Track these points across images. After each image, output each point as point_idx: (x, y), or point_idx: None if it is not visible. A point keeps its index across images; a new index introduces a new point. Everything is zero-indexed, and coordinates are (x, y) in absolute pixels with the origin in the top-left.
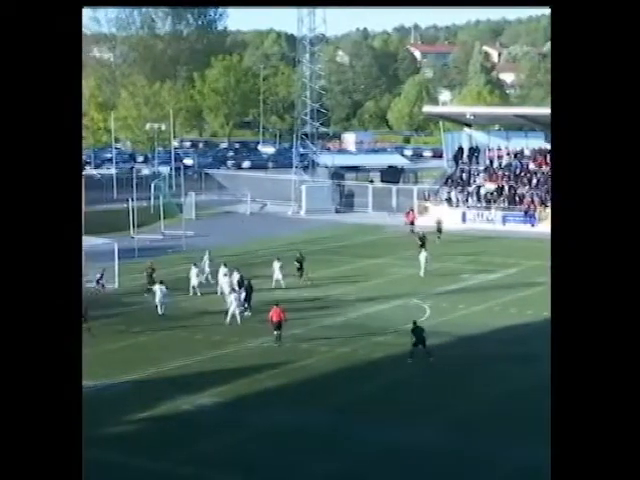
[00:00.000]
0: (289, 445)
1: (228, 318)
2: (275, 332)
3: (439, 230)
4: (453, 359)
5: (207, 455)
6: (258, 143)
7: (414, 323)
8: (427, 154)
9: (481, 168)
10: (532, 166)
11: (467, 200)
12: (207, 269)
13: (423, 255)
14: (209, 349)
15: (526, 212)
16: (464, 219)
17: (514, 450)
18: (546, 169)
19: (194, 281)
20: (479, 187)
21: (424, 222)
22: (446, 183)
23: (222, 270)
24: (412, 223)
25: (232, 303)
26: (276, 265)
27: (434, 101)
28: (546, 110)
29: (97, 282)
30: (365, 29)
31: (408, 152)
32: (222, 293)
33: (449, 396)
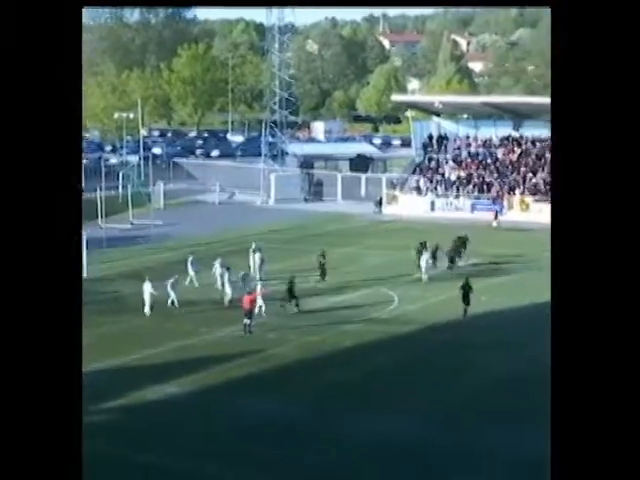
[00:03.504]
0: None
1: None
2: (245, 321)
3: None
4: (423, 346)
5: (177, 445)
6: (227, 132)
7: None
8: (396, 143)
9: (450, 157)
10: (500, 154)
11: (436, 188)
12: (257, 262)
13: (424, 258)
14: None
15: (494, 200)
16: (433, 207)
17: (490, 438)
18: (514, 157)
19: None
20: (448, 176)
21: (393, 211)
22: (415, 172)
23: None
24: (496, 218)
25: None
26: (256, 256)
27: (403, 90)
28: (514, 98)
29: None
30: (334, 18)
31: (377, 141)
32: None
33: (422, 384)
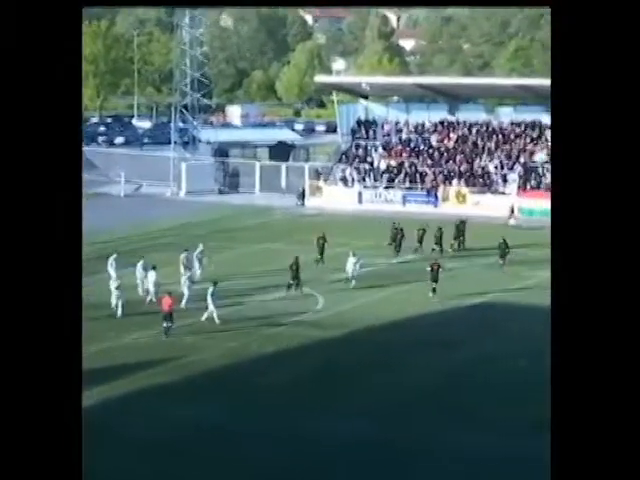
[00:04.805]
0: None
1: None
2: (164, 324)
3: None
4: (349, 348)
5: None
6: (133, 117)
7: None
8: (320, 128)
9: (379, 143)
10: (434, 141)
11: (364, 179)
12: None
13: (351, 261)
14: None
15: (428, 191)
16: (360, 200)
17: (424, 436)
18: (450, 144)
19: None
20: (377, 164)
21: (317, 203)
22: (341, 160)
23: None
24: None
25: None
26: (182, 256)
27: (327, 70)
28: (449, 79)
29: None
30: None
31: (299, 126)
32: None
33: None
